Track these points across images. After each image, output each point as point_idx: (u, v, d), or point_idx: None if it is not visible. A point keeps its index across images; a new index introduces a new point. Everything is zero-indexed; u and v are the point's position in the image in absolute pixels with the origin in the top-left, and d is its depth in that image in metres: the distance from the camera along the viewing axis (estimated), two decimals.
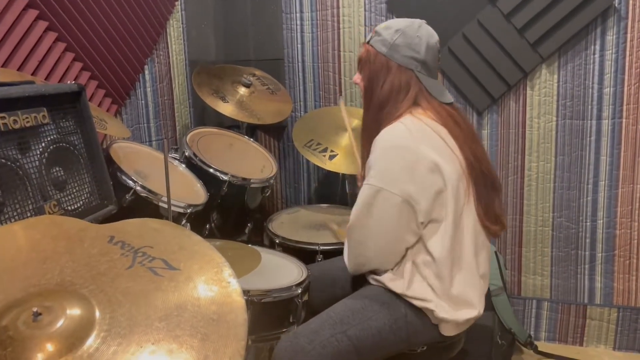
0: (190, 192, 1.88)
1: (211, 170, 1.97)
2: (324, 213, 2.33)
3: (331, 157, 2.19)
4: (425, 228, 1.42)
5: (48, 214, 1.20)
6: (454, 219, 1.40)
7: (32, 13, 1.60)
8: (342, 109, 2.13)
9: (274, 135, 2.77)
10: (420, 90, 1.48)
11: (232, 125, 2.48)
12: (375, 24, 2.45)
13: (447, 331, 1.46)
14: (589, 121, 2.26)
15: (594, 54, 2.21)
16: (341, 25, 2.51)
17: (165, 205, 1.37)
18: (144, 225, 1.01)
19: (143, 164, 1.79)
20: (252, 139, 2.38)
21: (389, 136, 1.43)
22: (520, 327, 2.29)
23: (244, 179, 2.03)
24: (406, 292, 1.43)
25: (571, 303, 2.43)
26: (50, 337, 0.75)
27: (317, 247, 1.91)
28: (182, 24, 2.42)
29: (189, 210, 1.72)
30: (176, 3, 2.36)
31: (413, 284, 1.43)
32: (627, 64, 2.18)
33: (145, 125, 2.21)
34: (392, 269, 1.46)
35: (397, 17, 2.05)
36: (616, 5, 2.15)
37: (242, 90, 2.40)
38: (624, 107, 2.21)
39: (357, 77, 1.58)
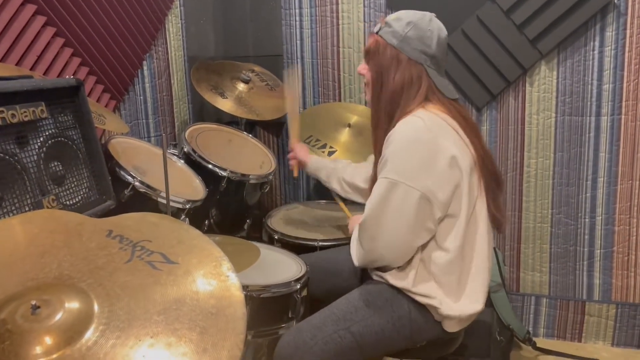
0: (189, 187, 1.88)
1: (210, 166, 1.97)
2: (322, 209, 2.33)
3: (330, 153, 2.19)
4: (440, 224, 1.40)
5: (46, 208, 1.20)
6: (467, 213, 1.40)
7: (31, 8, 1.59)
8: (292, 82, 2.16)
9: (273, 131, 2.76)
10: (430, 86, 1.46)
11: (231, 121, 2.48)
12: (374, 20, 2.44)
13: (451, 327, 1.46)
14: (588, 117, 2.26)
15: (593, 50, 2.21)
16: (340, 22, 2.51)
17: (164, 201, 1.37)
18: (143, 219, 1.01)
19: (142, 159, 1.79)
20: (251, 135, 2.38)
21: (407, 130, 1.40)
22: (519, 324, 2.29)
23: (243, 175, 2.03)
24: (411, 289, 1.42)
25: (570, 299, 2.43)
26: (48, 330, 0.75)
27: (316, 243, 1.91)
28: (180, 19, 2.41)
29: (187, 206, 1.72)
30: None
31: (419, 280, 1.42)
32: (626, 60, 2.18)
33: (144, 121, 2.21)
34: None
35: None
36: (615, 1, 2.14)
37: (241, 87, 2.40)
38: (623, 104, 2.21)
39: (364, 68, 1.55)
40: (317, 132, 2.26)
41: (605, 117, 2.24)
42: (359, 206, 1.86)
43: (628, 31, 2.15)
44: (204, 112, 2.63)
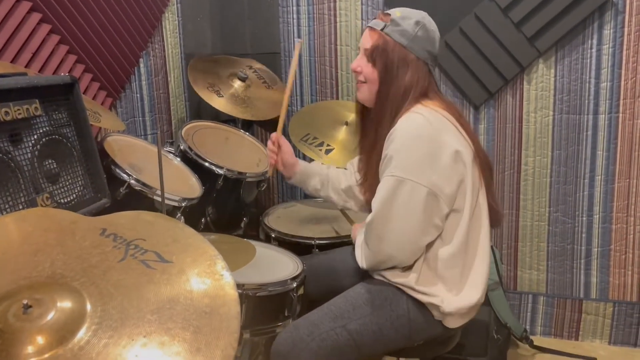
0: (185, 185, 1.87)
1: (206, 164, 1.96)
2: (319, 207, 2.33)
3: (327, 152, 2.18)
4: (446, 219, 1.41)
5: (40, 206, 1.20)
6: (471, 206, 1.41)
7: (26, 5, 1.58)
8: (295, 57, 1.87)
9: (270, 129, 2.74)
10: (431, 84, 1.49)
11: (228, 119, 2.47)
12: (372, 18, 2.43)
13: (452, 323, 1.45)
14: (585, 116, 2.26)
15: (591, 48, 2.21)
16: (338, 19, 2.50)
17: (160, 199, 1.37)
18: (137, 217, 1.00)
19: (138, 157, 1.78)
20: (247, 133, 2.37)
21: (409, 126, 1.40)
22: (516, 322, 2.29)
23: (240, 173, 2.02)
24: (414, 286, 1.41)
25: (567, 298, 2.43)
26: (40, 329, 0.75)
27: (313, 242, 1.91)
28: (177, 17, 2.40)
29: (183, 204, 1.71)
30: None
31: (422, 277, 1.42)
32: (624, 58, 2.17)
33: (140, 118, 2.20)
34: None
35: None
36: None
37: (238, 84, 2.39)
38: (621, 102, 2.21)
39: (365, 66, 1.49)
40: (315, 130, 2.26)
41: (603, 115, 2.24)
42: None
43: (626, 29, 2.15)
44: (201, 110, 2.62)
